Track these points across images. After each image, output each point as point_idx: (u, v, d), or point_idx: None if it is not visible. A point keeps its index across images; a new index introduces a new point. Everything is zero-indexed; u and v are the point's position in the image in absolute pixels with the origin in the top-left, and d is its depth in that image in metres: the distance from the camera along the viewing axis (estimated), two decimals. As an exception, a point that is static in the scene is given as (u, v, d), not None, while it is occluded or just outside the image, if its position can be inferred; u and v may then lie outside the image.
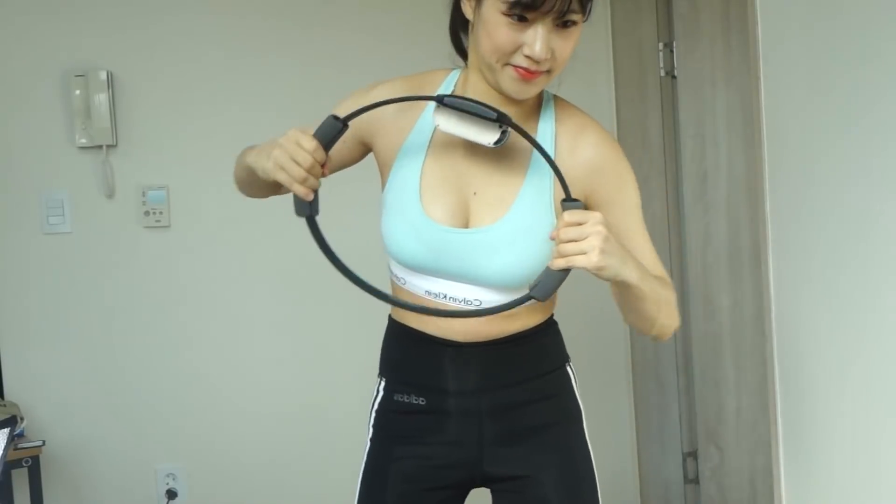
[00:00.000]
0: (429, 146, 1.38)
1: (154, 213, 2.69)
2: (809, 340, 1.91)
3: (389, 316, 1.53)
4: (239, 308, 2.75)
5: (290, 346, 2.78)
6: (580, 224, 1.21)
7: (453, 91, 1.40)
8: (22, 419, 2.45)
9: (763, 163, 2.01)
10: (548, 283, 1.25)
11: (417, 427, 1.44)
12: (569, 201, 1.25)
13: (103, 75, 2.61)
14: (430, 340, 1.42)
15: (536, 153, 1.33)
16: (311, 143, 1.26)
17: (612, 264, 1.22)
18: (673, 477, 2.98)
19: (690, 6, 2.72)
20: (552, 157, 1.31)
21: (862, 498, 1.77)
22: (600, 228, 1.20)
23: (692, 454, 2.93)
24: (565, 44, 1.27)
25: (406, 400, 1.44)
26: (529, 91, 1.31)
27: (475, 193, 1.36)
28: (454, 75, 1.42)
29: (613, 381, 2.92)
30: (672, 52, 2.82)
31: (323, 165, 1.28)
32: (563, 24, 1.25)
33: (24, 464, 2.43)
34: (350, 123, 1.30)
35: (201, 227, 2.72)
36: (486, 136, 1.27)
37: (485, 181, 1.36)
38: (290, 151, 1.26)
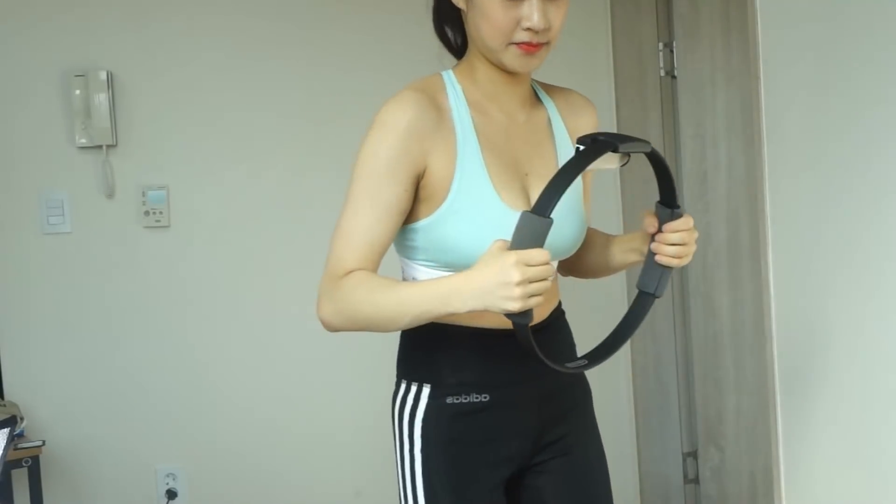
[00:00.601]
0: (479, 145, 1.37)
1: (154, 213, 2.68)
2: (809, 340, 1.91)
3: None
4: (239, 308, 2.75)
5: (290, 347, 2.78)
6: (693, 229, 1.42)
7: (458, 83, 1.41)
8: (22, 419, 2.45)
9: (763, 163, 2.01)
10: (663, 280, 1.45)
11: (481, 426, 1.41)
12: (676, 207, 1.43)
13: (103, 75, 2.61)
14: (483, 334, 1.39)
15: (554, 125, 1.47)
16: (544, 255, 1.16)
17: None
18: (673, 477, 2.98)
19: (690, 6, 2.72)
20: (564, 128, 1.47)
21: (862, 498, 1.77)
22: (696, 234, 1.44)
23: (692, 454, 2.93)
24: (558, 12, 1.34)
25: (465, 400, 1.40)
26: (533, 64, 1.37)
27: (527, 174, 1.42)
28: (450, 77, 1.43)
29: (613, 380, 2.92)
30: (672, 52, 2.82)
31: None
32: None
33: (24, 464, 2.43)
34: (403, 164, 1.31)
35: (201, 227, 2.72)
36: (612, 162, 1.29)
37: (529, 160, 1.43)
38: (533, 276, 1.15)
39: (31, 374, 2.66)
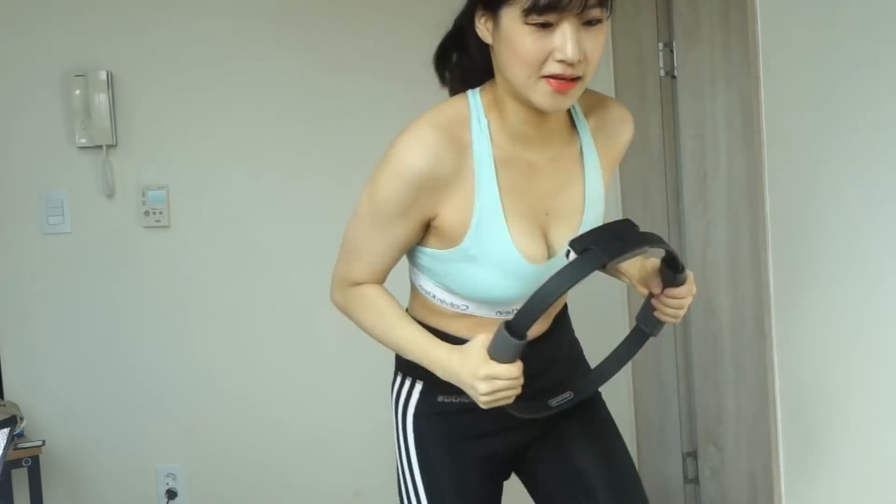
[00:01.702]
0: (498, 191, 1.31)
1: (154, 213, 2.68)
2: (809, 340, 1.91)
3: (414, 318, 1.48)
4: (238, 308, 2.75)
5: (290, 346, 2.78)
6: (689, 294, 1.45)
7: (485, 116, 1.32)
8: (22, 419, 2.45)
9: (763, 163, 2.01)
10: (660, 327, 1.52)
11: (474, 423, 1.44)
12: (681, 271, 1.42)
13: (103, 75, 2.61)
14: None
15: (586, 155, 1.40)
16: (515, 371, 1.24)
17: None
18: (673, 477, 2.98)
19: (690, 6, 2.72)
20: (595, 156, 1.41)
21: (862, 498, 1.77)
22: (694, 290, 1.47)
23: (692, 454, 2.93)
24: (595, 43, 1.23)
25: (456, 401, 1.42)
26: (565, 103, 1.27)
27: (547, 214, 1.37)
28: (475, 100, 1.34)
29: (613, 380, 2.91)
30: (672, 52, 2.82)
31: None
32: (588, 22, 1.22)
33: (23, 464, 2.43)
34: (413, 209, 1.30)
35: (201, 227, 2.72)
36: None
37: (552, 198, 1.37)
38: (505, 388, 1.25)
39: (31, 374, 2.66)
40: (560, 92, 1.23)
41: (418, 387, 1.46)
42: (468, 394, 1.29)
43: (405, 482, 1.49)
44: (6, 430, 2.06)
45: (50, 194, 2.65)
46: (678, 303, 1.44)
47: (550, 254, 1.36)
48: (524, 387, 1.30)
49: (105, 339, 2.69)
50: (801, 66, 1.87)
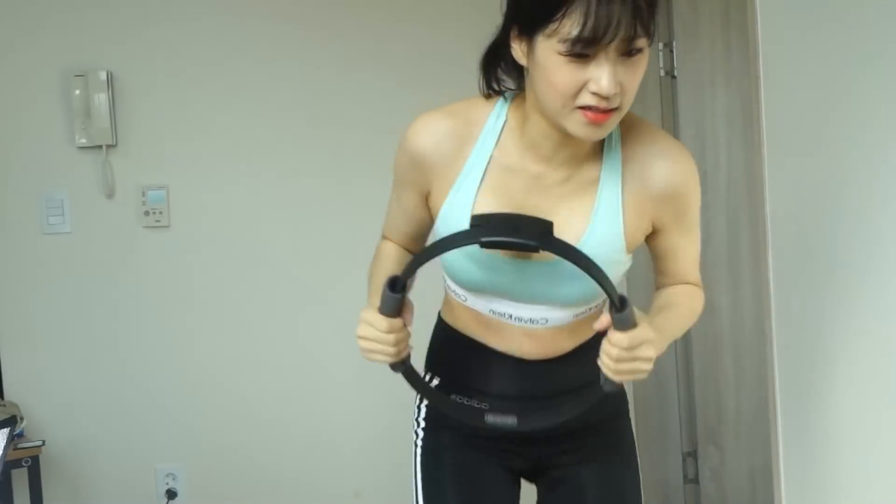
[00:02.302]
0: (482, 181, 1.31)
1: (154, 213, 2.68)
2: (809, 340, 1.91)
3: (441, 317, 1.52)
4: (238, 308, 2.75)
5: (290, 346, 2.78)
6: (633, 348, 1.18)
7: (505, 122, 1.32)
8: (22, 419, 2.45)
9: (763, 163, 2.01)
10: (611, 384, 1.24)
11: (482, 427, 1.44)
12: (620, 309, 1.18)
13: (103, 75, 2.61)
14: (498, 356, 1.42)
15: (602, 182, 1.29)
16: (384, 324, 1.25)
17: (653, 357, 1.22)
18: (673, 477, 2.98)
19: (690, 6, 2.72)
20: (619, 185, 1.29)
21: (862, 498, 1.77)
22: (651, 354, 1.19)
23: (692, 454, 2.93)
24: (633, 74, 1.20)
25: (467, 402, 1.43)
26: (601, 133, 1.21)
27: None
28: (501, 108, 1.33)
29: (613, 381, 2.92)
30: (672, 52, 2.82)
31: (401, 315, 1.27)
32: (628, 52, 1.18)
33: (23, 464, 2.43)
34: (411, 183, 1.36)
35: (201, 227, 2.72)
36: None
37: (553, 211, 1.29)
38: (373, 338, 1.26)
39: (31, 374, 2.66)
40: (595, 123, 1.18)
41: (435, 381, 1.49)
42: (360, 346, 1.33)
43: (413, 464, 1.52)
44: (6, 430, 2.06)
45: (50, 194, 2.65)
46: (610, 351, 1.19)
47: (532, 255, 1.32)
48: (509, 401, 1.38)
49: (105, 339, 2.69)
50: (801, 66, 1.87)
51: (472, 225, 1.22)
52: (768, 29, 1.98)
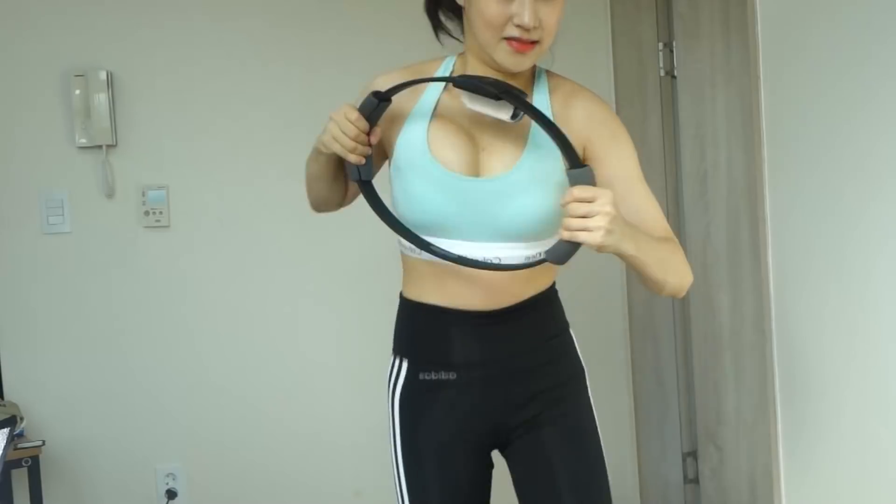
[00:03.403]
0: (432, 114, 1.49)
1: (154, 213, 2.68)
2: (809, 340, 1.91)
3: (401, 295, 1.58)
4: (238, 308, 2.75)
5: (290, 346, 2.78)
6: (590, 201, 1.25)
7: (452, 71, 1.53)
8: (21, 419, 2.45)
9: (763, 163, 2.02)
10: (560, 250, 1.30)
11: (447, 401, 1.52)
12: (576, 168, 1.31)
13: (103, 75, 2.61)
14: (450, 315, 1.49)
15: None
16: (354, 114, 1.44)
17: (613, 242, 1.27)
18: (673, 477, 2.98)
19: (690, 6, 2.72)
20: (548, 109, 1.46)
21: (862, 498, 1.77)
22: (609, 209, 1.25)
23: (692, 454, 2.93)
24: (551, 12, 1.39)
25: (434, 378, 1.52)
26: (524, 63, 1.43)
27: (483, 149, 1.46)
28: (449, 60, 1.55)
29: (613, 380, 2.92)
30: (672, 51, 2.82)
31: (369, 134, 1.45)
32: None
33: (23, 464, 2.43)
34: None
35: (201, 227, 2.72)
36: (504, 113, 1.38)
37: (491, 141, 1.46)
38: (339, 123, 1.44)
39: (31, 374, 2.66)
40: (518, 52, 1.40)
41: (405, 365, 1.55)
42: (323, 139, 1.49)
43: (392, 457, 1.59)
44: (6, 430, 2.06)
45: (50, 194, 2.65)
46: (565, 199, 1.26)
47: (474, 175, 1.44)
48: (496, 368, 1.47)
49: (105, 339, 2.69)
50: (801, 66, 1.87)
51: (455, 84, 1.41)
52: (768, 29, 1.98)
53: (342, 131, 1.44)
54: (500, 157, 1.45)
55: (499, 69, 1.44)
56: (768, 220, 2.01)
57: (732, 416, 2.68)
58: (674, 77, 2.82)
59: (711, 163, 2.69)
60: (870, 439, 1.74)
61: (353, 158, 1.45)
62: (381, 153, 1.57)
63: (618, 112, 2.88)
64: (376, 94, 1.44)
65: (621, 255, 1.33)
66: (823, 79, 1.80)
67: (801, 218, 1.91)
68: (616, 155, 1.47)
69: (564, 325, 1.61)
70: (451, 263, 1.44)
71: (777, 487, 2.04)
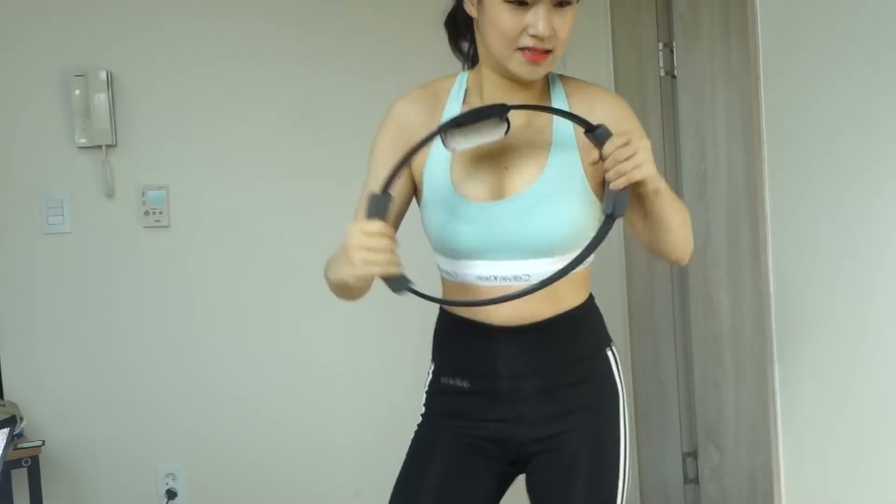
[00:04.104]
0: None
1: (154, 213, 2.68)
2: (809, 340, 1.91)
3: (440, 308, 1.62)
4: (238, 308, 2.75)
5: (290, 346, 2.78)
6: (626, 143, 1.33)
7: (466, 89, 1.51)
8: (21, 419, 2.45)
9: (763, 163, 2.02)
10: (619, 200, 1.36)
11: (463, 406, 1.54)
12: (594, 129, 1.36)
13: (103, 75, 2.61)
14: (478, 328, 1.51)
15: (555, 125, 1.47)
16: (376, 226, 1.31)
17: (656, 171, 1.36)
18: (673, 477, 2.98)
19: (690, 6, 2.72)
20: (570, 130, 1.46)
21: (861, 497, 1.77)
22: (645, 143, 1.34)
23: (692, 454, 2.93)
24: (563, 22, 1.40)
25: (451, 383, 1.56)
26: (539, 72, 1.44)
27: (507, 168, 1.47)
28: (462, 77, 1.54)
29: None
30: (672, 51, 2.82)
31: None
32: (559, 4, 1.39)
33: (23, 464, 2.43)
34: (393, 149, 1.43)
35: (201, 228, 2.72)
36: (497, 132, 1.39)
37: (513, 156, 1.47)
38: (366, 245, 1.30)
39: (31, 374, 2.66)
40: (533, 62, 1.41)
41: (432, 368, 1.61)
42: (352, 269, 1.34)
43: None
44: (6, 430, 2.06)
45: (50, 194, 2.65)
46: (606, 151, 1.35)
47: (499, 197, 1.45)
48: (515, 382, 1.47)
49: (105, 339, 2.69)
50: (801, 66, 1.87)
51: (443, 129, 1.37)
52: (768, 29, 1.98)
53: (371, 251, 1.30)
54: (523, 174, 1.46)
55: (513, 79, 1.45)
56: (768, 220, 2.01)
57: (732, 416, 2.68)
58: (674, 77, 2.82)
59: (711, 163, 2.70)
60: (870, 440, 1.74)
61: (396, 271, 1.31)
62: (407, 185, 1.53)
63: (618, 112, 2.89)
64: (382, 194, 1.36)
65: (657, 191, 1.39)
66: (823, 79, 1.80)
67: (801, 218, 1.91)
68: None
69: (602, 344, 1.59)
70: (478, 283, 1.47)
71: (777, 487, 2.04)
